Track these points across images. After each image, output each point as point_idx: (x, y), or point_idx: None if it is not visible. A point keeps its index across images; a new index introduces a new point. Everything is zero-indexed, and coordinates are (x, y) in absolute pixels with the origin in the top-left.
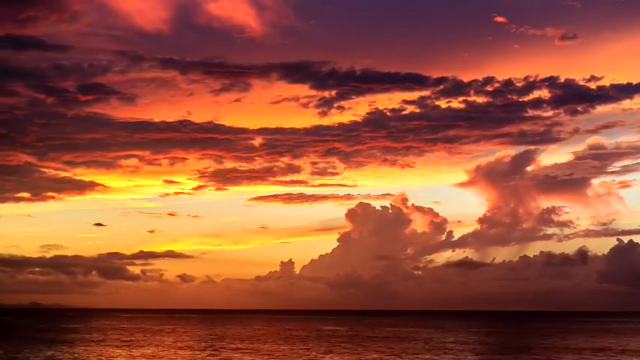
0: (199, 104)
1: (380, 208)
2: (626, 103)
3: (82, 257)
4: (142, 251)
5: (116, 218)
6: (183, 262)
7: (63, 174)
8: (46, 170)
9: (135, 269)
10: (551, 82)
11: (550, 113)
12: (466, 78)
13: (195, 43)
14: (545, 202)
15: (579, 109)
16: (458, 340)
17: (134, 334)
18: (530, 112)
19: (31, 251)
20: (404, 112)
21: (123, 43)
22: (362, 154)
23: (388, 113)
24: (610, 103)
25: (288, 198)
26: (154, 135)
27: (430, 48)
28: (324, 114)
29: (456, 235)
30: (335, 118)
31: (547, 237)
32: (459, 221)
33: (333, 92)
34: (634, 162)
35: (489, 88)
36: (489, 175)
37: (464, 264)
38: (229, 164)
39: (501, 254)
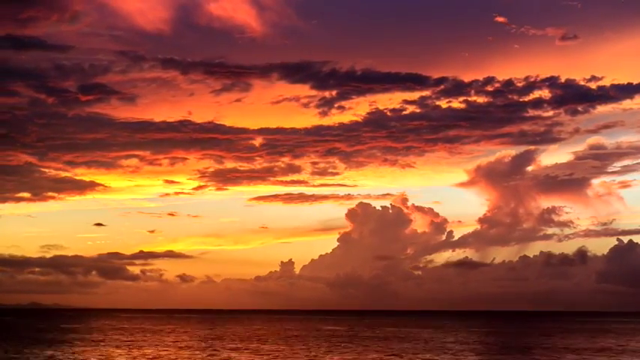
0: (200, 104)
1: (380, 208)
2: (627, 103)
3: (82, 257)
4: (141, 251)
5: (116, 218)
6: (183, 262)
7: (63, 174)
8: (47, 170)
9: (135, 269)
10: (551, 82)
11: (550, 113)
12: (467, 78)
13: (195, 43)
14: (545, 202)
15: (580, 109)
16: (458, 340)
17: (134, 334)
18: (531, 112)
19: (31, 251)
20: (404, 112)
21: (124, 43)
22: (362, 154)
23: (389, 113)
24: (610, 103)
25: (289, 198)
26: (155, 135)
27: (431, 48)
28: (324, 114)
29: (457, 235)
30: (335, 118)
31: (547, 237)
32: (460, 221)
33: (334, 92)
34: (634, 162)
35: (490, 88)
36: (489, 175)
37: (464, 264)
38: (230, 164)
39: (501, 254)
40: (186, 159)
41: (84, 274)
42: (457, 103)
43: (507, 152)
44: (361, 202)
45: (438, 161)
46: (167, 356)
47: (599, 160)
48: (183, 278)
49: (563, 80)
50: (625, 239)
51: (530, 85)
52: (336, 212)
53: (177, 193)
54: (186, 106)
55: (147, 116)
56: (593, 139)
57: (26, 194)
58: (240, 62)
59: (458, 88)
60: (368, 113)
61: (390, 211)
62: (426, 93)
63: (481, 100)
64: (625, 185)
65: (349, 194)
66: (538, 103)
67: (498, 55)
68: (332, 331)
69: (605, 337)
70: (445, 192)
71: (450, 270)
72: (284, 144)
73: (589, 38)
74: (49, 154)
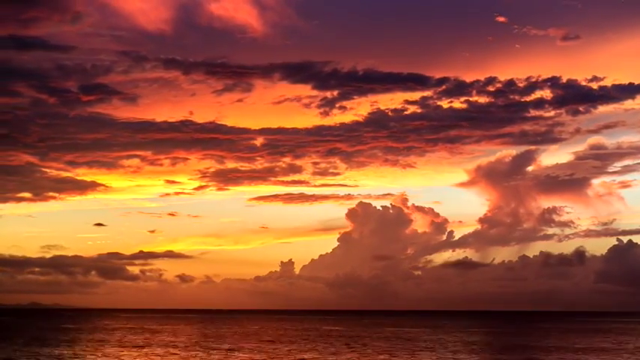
0: (201, 104)
1: (380, 208)
2: (628, 103)
3: (82, 257)
4: (141, 251)
5: (117, 218)
6: (182, 262)
7: (64, 174)
8: (48, 170)
9: (134, 269)
10: (553, 82)
11: (552, 113)
12: (468, 78)
13: (197, 44)
14: (545, 202)
15: (581, 109)
16: (457, 340)
17: (133, 333)
18: (532, 112)
19: (32, 251)
20: (406, 112)
21: (125, 43)
22: (363, 154)
23: (390, 113)
24: (612, 104)
25: (289, 198)
26: (156, 135)
27: (432, 48)
28: (325, 114)
29: (457, 235)
30: (337, 118)
31: (548, 237)
32: (460, 221)
33: (335, 92)
34: (635, 162)
35: (491, 89)
36: (490, 175)
37: (464, 264)
38: (231, 164)
39: (502, 254)
40: (187, 159)
41: (84, 274)
42: (458, 104)
43: (508, 152)
44: (361, 202)
45: (438, 161)
46: (166, 356)
47: (600, 160)
48: (183, 278)
49: (564, 80)
50: (625, 239)
51: (532, 86)
52: (336, 212)
53: (177, 193)
54: (188, 106)
55: (148, 116)
56: (594, 139)
57: (27, 194)
58: (241, 62)
59: (459, 88)
60: (369, 113)
61: (391, 211)
62: (427, 93)
63: (482, 100)
64: (625, 185)
65: (349, 194)
66: (539, 103)
67: (500, 56)
68: (331, 331)
69: (606, 337)
70: (446, 192)
71: (450, 270)
72: (285, 144)
73: (590, 38)
74: (51, 154)
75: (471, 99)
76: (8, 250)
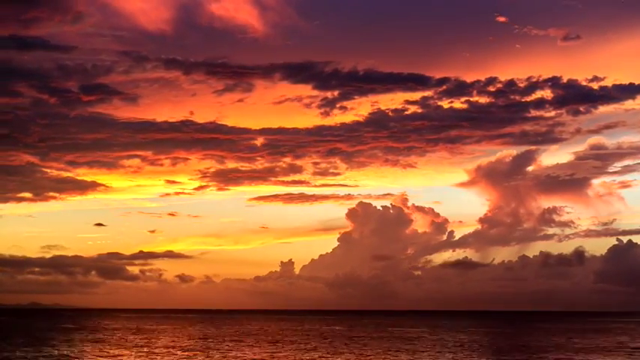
0: (202, 104)
1: (381, 208)
2: (629, 104)
3: (82, 257)
4: (141, 251)
5: (117, 218)
6: (182, 262)
7: (65, 174)
8: (49, 170)
9: (134, 269)
10: (553, 82)
11: (552, 113)
12: (469, 78)
13: (198, 44)
14: (546, 202)
15: (581, 109)
16: (457, 340)
17: (133, 333)
18: (533, 113)
19: (32, 251)
20: (406, 113)
21: (126, 43)
22: (364, 155)
23: (390, 113)
24: (612, 104)
25: (289, 198)
26: (157, 135)
27: (432, 48)
28: (326, 114)
29: (457, 235)
30: (337, 118)
31: (548, 237)
32: (460, 221)
33: (336, 92)
34: (635, 162)
35: (492, 89)
36: (490, 175)
37: (464, 264)
38: (231, 164)
39: (502, 254)
40: (187, 159)
41: (84, 274)
42: (459, 104)
43: (508, 152)
44: (362, 202)
45: (439, 161)
46: (166, 356)
47: (600, 160)
48: (183, 278)
49: (565, 80)
50: (625, 239)
51: (532, 86)
52: (336, 212)
53: (177, 193)
54: (188, 106)
55: (149, 116)
56: (594, 139)
57: (28, 194)
58: (242, 62)
59: (460, 88)
60: (370, 113)
61: (391, 211)
62: (427, 93)
63: (483, 100)
64: (625, 185)
65: (350, 194)
66: (540, 104)
67: (500, 56)
68: (331, 330)
69: (606, 337)
70: (446, 192)
71: (450, 270)
72: (285, 144)
73: (591, 39)
74: (51, 154)
75: (471, 99)
76: (8, 250)
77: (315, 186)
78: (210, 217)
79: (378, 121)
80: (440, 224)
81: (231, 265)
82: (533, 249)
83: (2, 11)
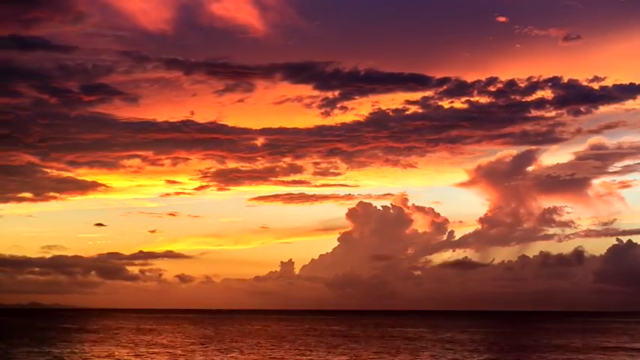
0: (202, 104)
1: (381, 208)
2: (629, 104)
3: (82, 257)
4: (141, 251)
5: (117, 218)
6: (182, 262)
7: (65, 174)
8: (49, 170)
9: (134, 269)
10: (554, 82)
11: (553, 113)
12: (469, 78)
13: (198, 44)
14: (546, 202)
15: (582, 109)
16: (457, 340)
17: (133, 333)
18: (533, 113)
19: (32, 251)
20: (407, 113)
21: (127, 43)
22: (364, 155)
23: (391, 113)
24: (613, 104)
25: (289, 198)
26: (157, 135)
27: (433, 48)
28: (326, 114)
29: (457, 235)
30: (338, 118)
31: (548, 237)
32: (460, 221)
33: (336, 92)
34: (635, 162)
35: (492, 89)
36: (490, 175)
37: (464, 264)
38: (231, 164)
39: (502, 254)
40: (188, 159)
41: (84, 274)
42: (459, 104)
43: (508, 152)
44: (362, 202)
45: (439, 161)
46: (165, 355)
47: (600, 160)
48: (183, 278)
49: (565, 80)
50: (625, 239)
51: (533, 86)
52: (336, 212)
53: (178, 193)
54: (189, 106)
55: (149, 116)
56: (594, 139)
57: (28, 194)
58: (243, 63)
59: (460, 88)
60: (370, 113)
61: (391, 211)
62: (428, 93)
63: (483, 100)
64: (626, 185)
65: (350, 194)
66: (540, 104)
67: (501, 56)
68: (331, 330)
69: (605, 337)
70: (446, 192)
71: (450, 270)
72: (286, 144)
73: (591, 39)
74: (52, 155)
75: (472, 99)
76: (8, 250)
77: (316, 186)
78: (210, 217)
79: (378, 121)
80: (440, 224)
81: (231, 265)
82: (533, 249)
83: (3, 11)
